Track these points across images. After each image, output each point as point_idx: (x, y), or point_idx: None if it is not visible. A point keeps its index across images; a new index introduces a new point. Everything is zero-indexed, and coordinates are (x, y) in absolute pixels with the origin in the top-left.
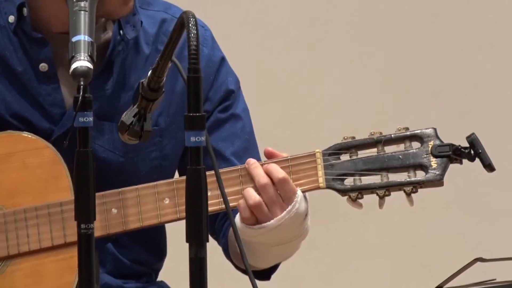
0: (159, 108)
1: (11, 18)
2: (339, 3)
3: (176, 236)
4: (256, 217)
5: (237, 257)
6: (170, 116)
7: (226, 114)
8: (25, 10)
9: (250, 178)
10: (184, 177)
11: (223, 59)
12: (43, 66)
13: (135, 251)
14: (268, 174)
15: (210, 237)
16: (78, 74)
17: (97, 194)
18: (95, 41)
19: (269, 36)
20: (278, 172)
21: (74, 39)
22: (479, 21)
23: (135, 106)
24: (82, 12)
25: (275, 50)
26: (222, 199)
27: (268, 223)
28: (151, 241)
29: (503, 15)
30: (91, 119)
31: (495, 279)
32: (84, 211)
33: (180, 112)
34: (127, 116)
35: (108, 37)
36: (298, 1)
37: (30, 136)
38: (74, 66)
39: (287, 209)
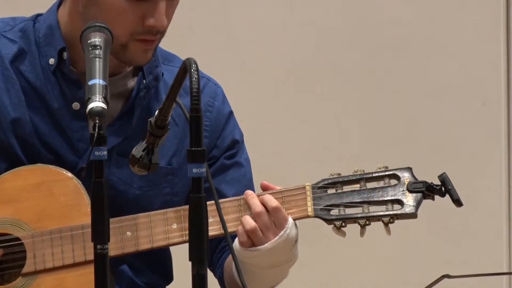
0: (173, 150)
1: (51, 61)
2: (325, 53)
3: (180, 260)
4: (252, 241)
5: (231, 284)
6: (181, 158)
7: (230, 161)
8: (65, 54)
9: (247, 207)
10: (188, 206)
11: (231, 113)
12: (76, 105)
13: (148, 274)
14: (263, 203)
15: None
16: (94, 113)
17: (114, 219)
18: (126, 87)
19: (262, 84)
20: (272, 201)
21: (90, 83)
22: (445, 70)
23: (144, 142)
24: (97, 59)
25: (267, 95)
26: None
27: (262, 246)
28: (161, 266)
29: (465, 65)
30: (105, 153)
31: None
32: (100, 233)
33: None
34: (137, 151)
35: (134, 85)
36: (288, 52)
37: (57, 169)
38: (90, 106)
39: (280, 234)
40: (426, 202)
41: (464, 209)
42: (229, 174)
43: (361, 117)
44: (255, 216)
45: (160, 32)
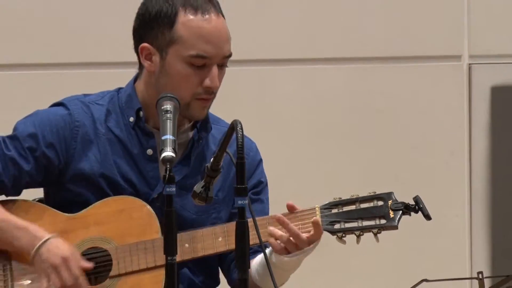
0: (219, 186)
1: (131, 119)
2: (332, 115)
3: None
4: (287, 251)
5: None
6: (225, 192)
7: (256, 196)
8: (141, 112)
9: (272, 222)
10: (230, 223)
11: (260, 161)
12: (150, 151)
13: (202, 276)
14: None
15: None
16: (165, 160)
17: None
18: (186, 138)
19: (285, 137)
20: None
21: (163, 138)
22: (424, 128)
23: (202, 181)
24: (168, 120)
25: (289, 145)
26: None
27: (291, 255)
28: (211, 271)
29: (439, 125)
30: (173, 189)
31: None
32: (170, 248)
33: (231, 191)
34: (197, 187)
35: (192, 137)
36: (304, 115)
37: (134, 198)
38: (163, 155)
39: (304, 249)
40: (406, 224)
41: (437, 229)
42: (253, 206)
43: (357, 160)
44: (293, 237)
45: (213, 92)
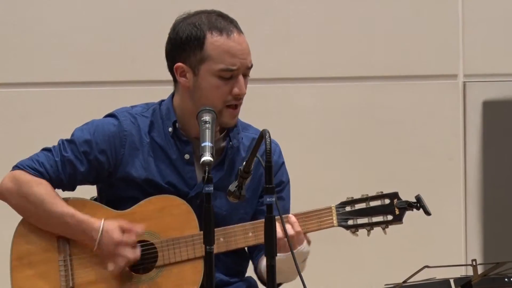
0: (247, 187)
1: (170, 129)
2: (343, 128)
3: None
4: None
5: (260, 274)
6: (250, 193)
7: (278, 194)
8: (177, 124)
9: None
10: (258, 221)
11: (283, 163)
12: (187, 156)
13: (235, 258)
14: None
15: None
16: (204, 163)
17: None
18: (219, 146)
19: (303, 146)
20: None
21: (202, 144)
22: (426, 140)
23: (236, 181)
24: (207, 129)
25: (307, 153)
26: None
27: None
28: (242, 253)
29: (439, 135)
30: (211, 188)
31: (435, 278)
32: (208, 239)
33: (256, 191)
34: (232, 187)
35: (224, 145)
36: (319, 127)
37: (174, 197)
38: (202, 159)
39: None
40: (410, 219)
41: (436, 223)
42: None
43: (368, 164)
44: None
45: (241, 98)
